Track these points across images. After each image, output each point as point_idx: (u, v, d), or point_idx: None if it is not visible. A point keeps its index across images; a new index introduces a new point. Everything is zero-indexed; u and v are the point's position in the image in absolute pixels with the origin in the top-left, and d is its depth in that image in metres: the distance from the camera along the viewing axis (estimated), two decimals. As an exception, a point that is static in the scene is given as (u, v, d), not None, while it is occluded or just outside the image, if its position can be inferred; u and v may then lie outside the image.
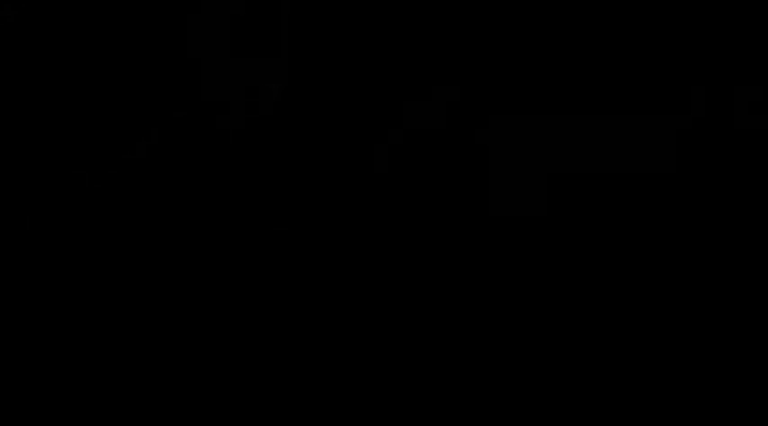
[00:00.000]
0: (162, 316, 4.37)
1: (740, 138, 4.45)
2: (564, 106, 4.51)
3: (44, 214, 4.46)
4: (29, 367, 4.30)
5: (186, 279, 4.41)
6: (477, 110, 4.52)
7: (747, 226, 4.40)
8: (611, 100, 4.50)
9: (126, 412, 4.26)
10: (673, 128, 4.48)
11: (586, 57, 4.51)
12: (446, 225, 4.46)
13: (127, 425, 4.24)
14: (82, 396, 4.27)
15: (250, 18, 4.56)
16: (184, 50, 4.55)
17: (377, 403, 4.27)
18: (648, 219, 4.43)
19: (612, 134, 4.48)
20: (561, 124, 4.49)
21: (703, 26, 4.50)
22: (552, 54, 4.52)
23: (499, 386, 4.27)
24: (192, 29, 4.55)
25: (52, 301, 4.38)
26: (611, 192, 4.45)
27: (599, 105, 4.50)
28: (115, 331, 4.35)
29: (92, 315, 4.37)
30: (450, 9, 4.55)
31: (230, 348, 4.34)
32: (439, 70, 4.55)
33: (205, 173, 4.50)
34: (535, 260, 4.42)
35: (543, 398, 4.25)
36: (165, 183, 4.48)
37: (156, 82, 4.54)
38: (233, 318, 4.37)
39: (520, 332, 4.34)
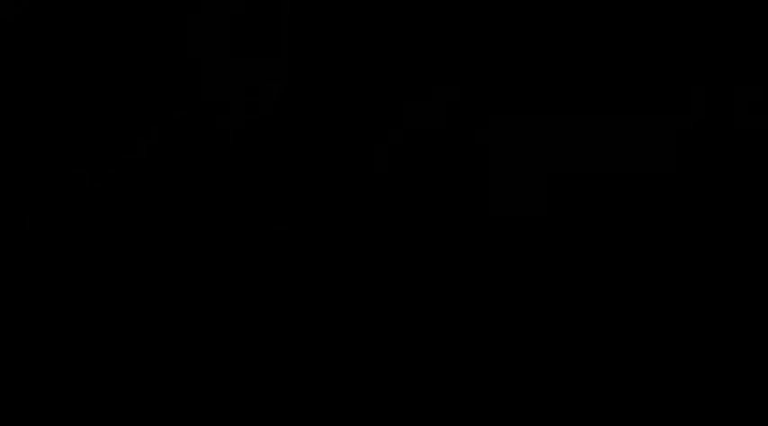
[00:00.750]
0: (162, 316, 4.37)
1: (740, 138, 4.45)
2: (564, 106, 4.51)
3: (44, 214, 4.46)
4: (29, 366, 4.30)
5: (186, 278, 4.41)
6: (477, 110, 4.53)
7: (747, 225, 4.40)
8: (611, 100, 4.50)
9: (126, 411, 4.26)
10: (673, 128, 4.48)
11: (586, 57, 4.52)
12: (446, 225, 4.46)
13: (127, 425, 4.24)
14: (82, 396, 4.27)
15: (250, 18, 4.56)
16: (184, 50, 4.55)
17: (377, 402, 4.27)
18: (648, 219, 4.43)
19: (612, 134, 4.48)
20: (561, 124, 4.49)
21: (703, 26, 4.50)
22: (552, 54, 4.53)
23: (499, 386, 4.27)
24: (192, 29, 4.55)
25: (52, 301, 4.38)
26: (611, 192, 4.45)
27: (599, 105, 4.50)
28: (115, 330, 4.36)
29: (92, 314, 4.37)
30: (449, 9, 4.55)
31: (230, 347, 4.34)
32: (439, 70, 4.55)
33: (205, 173, 4.50)
34: (535, 260, 4.42)
35: (543, 398, 4.25)
36: (165, 183, 4.48)
37: (156, 82, 4.54)
38: (233, 318, 4.37)
39: (520, 331, 4.35)
